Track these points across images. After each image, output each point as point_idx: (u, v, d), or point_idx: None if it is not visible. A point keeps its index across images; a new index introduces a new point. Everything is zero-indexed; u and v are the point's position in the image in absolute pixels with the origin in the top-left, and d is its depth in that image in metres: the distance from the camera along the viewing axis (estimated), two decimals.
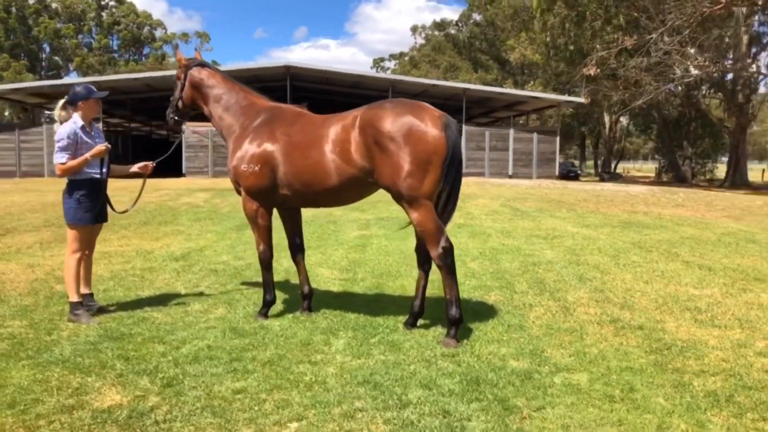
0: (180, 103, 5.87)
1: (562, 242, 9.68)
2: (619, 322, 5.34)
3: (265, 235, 5.51)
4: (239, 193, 5.62)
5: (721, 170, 48.28)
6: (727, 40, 36.07)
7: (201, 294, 6.39)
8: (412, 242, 9.42)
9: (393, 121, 4.75)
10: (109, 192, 5.71)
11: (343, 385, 3.96)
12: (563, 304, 5.94)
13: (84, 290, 5.72)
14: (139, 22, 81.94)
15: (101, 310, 5.71)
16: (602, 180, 43.53)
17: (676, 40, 31.22)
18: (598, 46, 34.75)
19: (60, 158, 5.35)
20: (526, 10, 56.90)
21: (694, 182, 42.20)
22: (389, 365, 4.30)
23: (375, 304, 5.96)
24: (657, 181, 43.70)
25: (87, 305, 5.62)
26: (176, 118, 5.99)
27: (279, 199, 5.43)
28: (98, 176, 5.56)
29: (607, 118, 54.15)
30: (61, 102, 5.53)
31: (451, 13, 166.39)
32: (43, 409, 3.59)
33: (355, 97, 33.21)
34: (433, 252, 4.83)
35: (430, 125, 4.72)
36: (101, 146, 5.49)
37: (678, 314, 5.58)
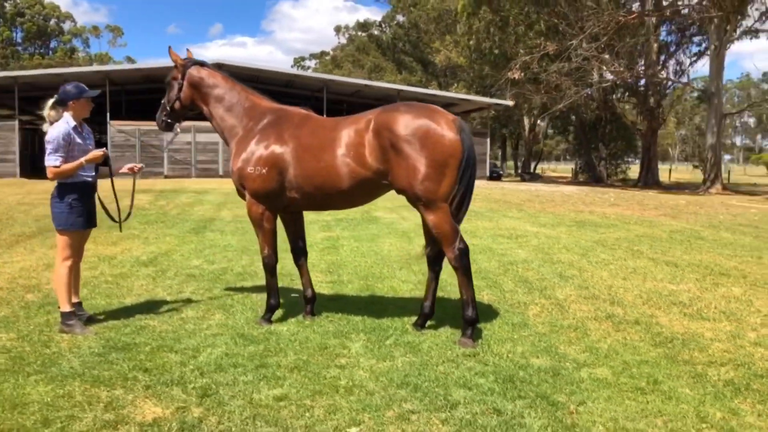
0: (177, 104, 5.68)
1: (528, 241, 10.00)
2: (615, 317, 5.60)
3: (270, 239, 5.43)
4: (242, 196, 5.51)
5: (633, 171, 50.98)
6: (639, 48, 38.12)
7: (189, 300, 6.19)
8: (383, 243, 9.59)
9: (409, 124, 4.80)
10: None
11: (383, 388, 3.97)
12: (555, 301, 6.17)
13: (73, 299, 5.44)
14: (45, 13, 77.60)
15: (91, 320, 5.44)
16: (523, 180, 44.96)
17: (595, 46, 32.80)
18: (521, 51, 35.96)
19: (53, 160, 5.07)
20: (449, 13, 58.11)
21: (609, 182, 44.30)
22: (418, 367, 4.34)
23: (374, 306, 5.97)
24: (574, 181, 45.59)
25: (77, 315, 5.36)
26: (169, 120, 5.79)
27: (286, 202, 5.35)
28: (90, 179, 5.31)
29: (527, 121, 56.03)
30: (51, 101, 5.23)
31: (370, 14, 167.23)
32: (83, 426, 3.41)
33: (287, 97, 32.80)
34: (450, 253, 4.91)
35: (446, 128, 4.80)
36: (98, 152, 5.24)
37: (666, 309, 5.90)
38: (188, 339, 4.95)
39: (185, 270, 7.66)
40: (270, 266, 5.47)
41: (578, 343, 4.90)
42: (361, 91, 32.94)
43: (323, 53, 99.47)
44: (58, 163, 5.06)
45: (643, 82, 39.59)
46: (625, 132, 46.01)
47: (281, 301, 6.15)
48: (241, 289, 6.65)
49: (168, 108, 5.72)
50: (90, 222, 5.36)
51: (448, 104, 38.07)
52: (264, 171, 5.20)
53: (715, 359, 4.52)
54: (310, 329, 5.23)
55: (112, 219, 5.63)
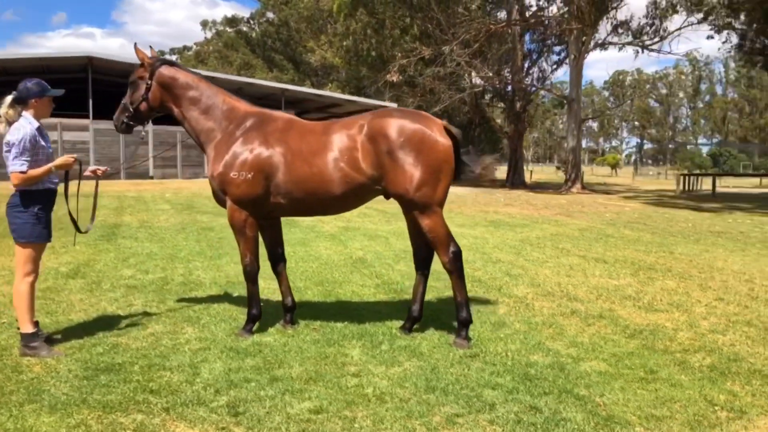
0: (143, 105, 5.31)
1: (458, 241, 10.31)
2: (579, 313, 5.95)
3: (252, 246, 5.23)
4: (221, 201, 5.27)
5: (500, 172, 53.94)
6: (506, 55, 40.38)
7: (147, 314, 5.80)
8: (318, 247, 9.47)
9: (404, 130, 4.84)
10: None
11: (412, 393, 3.96)
12: (517, 299, 6.44)
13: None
14: None
15: (49, 340, 4.94)
16: None
17: (467, 52, 34.34)
18: (399, 54, 36.82)
19: (19, 165, 4.55)
20: (320, 12, 58.08)
21: (479, 183, 46.51)
22: (431, 370, 4.37)
23: (346, 312, 5.92)
24: None
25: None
26: (130, 122, 5.38)
27: (269, 208, 5.19)
28: (54, 186, 4.84)
29: None
30: (9, 99, 4.69)
31: (230, 9, 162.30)
32: None
33: None
34: (444, 257, 5.01)
35: (438, 134, 4.90)
36: (69, 157, 4.79)
37: (620, 303, 6.36)
38: (175, 355, 4.65)
39: (121, 281, 7.14)
40: (252, 275, 5.27)
41: (560, 339, 5.18)
42: (242, 89, 32.04)
43: (185, 48, 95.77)
44: (24, 169, 4.56)
45: (510, 87, 42.00)
46: (492, 135, 48.54)
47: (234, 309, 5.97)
48: (197, 300, 6.33)
49: (131, 109, 5.33)
50: (51, 233, 4.89)
51: (332, 105, 38.14)
52: (249, 176, 5.01)
53: (686, 347, 4.97)
54: (298, 339, 5.10)
55: (78, 229, 5.17)
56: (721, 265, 8.60)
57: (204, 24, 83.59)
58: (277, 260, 5.57)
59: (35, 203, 4.67)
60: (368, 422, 3.58)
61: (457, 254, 5.01)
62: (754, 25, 27.67)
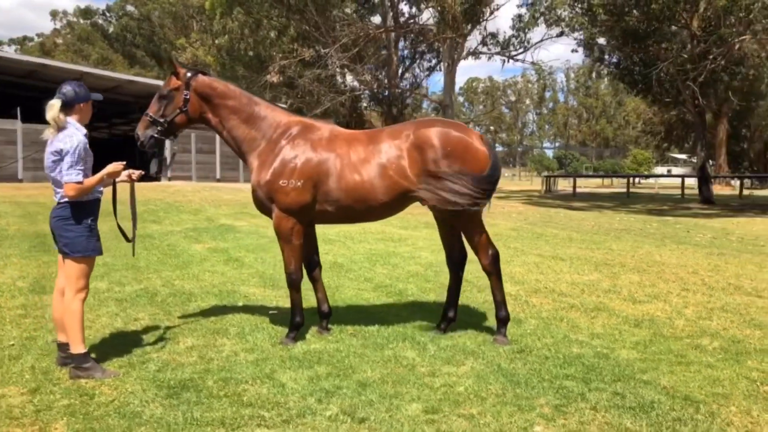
0: (181, 118, 5.12)
1: (415, 243, 10.66)
2: (578, 307, 6.43)
3: (298, 254, 5.23)
4: (264, 210, 5.23)
5: None
6: (383, 60, 41.38)
7: (164, 327, 5.57)
8: (276, 253, 9.29)
9: (450, 139, 5.10)
10: None
11: (503, 389, 4.16)
12: (512, 297, 6.75)
13: (59, 337, 4.61)
14: None
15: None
16: None
17: (347, 56, 34.84)
18: (279, 55, 36.52)
19: (75, 175, 4.26)
20: (187, 9, 55.82)
21: None
22: (498, 367, 4.57)
23: (360, 315, 6.00)
24: None
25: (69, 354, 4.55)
26: (161, 137, 5.13)
27: (314, 216, 5.23)
28: (101, 195, 4.57)
29: None
30: (58, 103, 4.34)
31: (69, 2, 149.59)
32: None
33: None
34: (485, 260, 5.32)
35: (478, 143, 5.22)
36: (118, 164, 4.54)
37: (603, 296, 6.98)
38: (238, 368, 4.55)
39: (104, 294, 6.73)
40: (296, 283, 5.27)
41: (580, 332, 5.63)
42: (121, 86, 30.00)
43: (26, 38, 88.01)
44: (81, 178, 4.28)
45: (387, 92, 43.09)
46: None
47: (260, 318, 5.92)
48: (204, 311, 6.14)
49: (164, 122, 5.10)
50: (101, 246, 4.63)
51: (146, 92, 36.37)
52: (299, 183, 5.03)
53: (689, 334, 5.60)
54: (345, 344, 5.14)
55: (126, 238, 4.88)
56: (659, 259, 9.60)
57: (54, 14, 77.42)
58: (314, 267, 5.59)
59: (87, 215, 4.40)
60: (489, 418, 3.77)
61: (496, 256, 5.34)
62: (613, 42, 30.79)
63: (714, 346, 5.24)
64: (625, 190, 36.09)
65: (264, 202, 5.16)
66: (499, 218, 16.34)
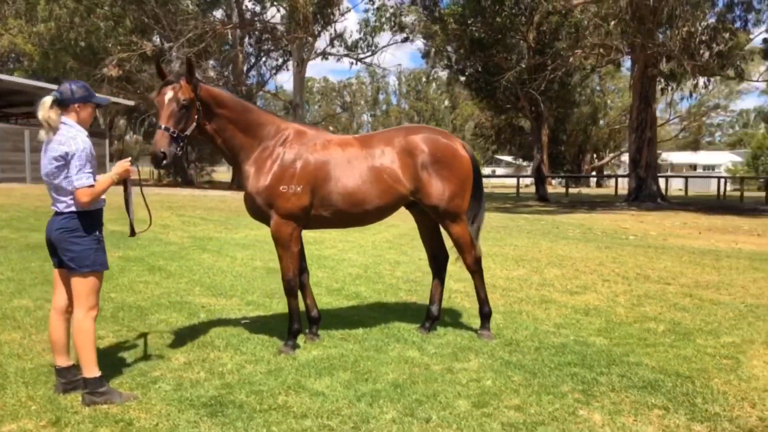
0: (196, 132, 4.81)
1: (323, 244, 10.62)
2: (523, 300, 6.91)
3: (296, 261, 5.17)
4: (260, 216, 5.10)
5: (219, 175, 53.67)
6: (229, 57, 40.29)
7: (145, 343, 5.21)
8: (222, 261, 8.84)
9: (439, 146, 5.35)
10: None
11: (526, 381, 4.46)
12: (467, 294, 7.20)
13: (63, 361, 4.19)
14: None
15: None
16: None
17: (192, 52, 33.55)
18: (118, 47, 34.17)
19: (86, 178, 3.90)
20: None
21: (197, 185, 45.37)
22: (502, 361, 4.91)
23: (337, 319, 6.05)
24: (161, 184, 45.22)
25: (71, 381, 4.16)
26: (180, 154, 4.73)
27: (309, 221, 5.18)
28: (104, 204, 4.20)
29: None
30: (49, 100, 3.93)
31: None
32: None
33: None
34: (469, 260, 5.61)
35: (462, 149, 5.53)
36: (126, 162, 4.20)
37: (542, 289, 7.54)
38: (258, 380, 4.43)
39: (38, 313, 6.02)
40: (294, 290, 5.20)
41: (543, 323, 6.03)
42: None
43: None
44: (92, 181, 3.93)
45: (233, 90, 41.95)
46: None
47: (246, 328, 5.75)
48: (172, 325, 5.81)
49: (185, 138, 4.71)
50: None
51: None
52: (299, 189, 4.99)
53: (635, 319, 6.18)
54: (344, 348, 5.17)
55: (133, 231, 4.50)
56: (562, 253, 10.47)
57: None
58: (301, 272, 5.52)
59: (95, 225, 4.06)
60: (534, 407, 4.02)
61: (479, 257, 5.67)
62: (461, 51, 32.71)
63: (662, 329, 5.96)
64: None
65: (262, 209, 5.03)
66: (393, 218, 16.80)
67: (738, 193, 35.55)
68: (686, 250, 11.23)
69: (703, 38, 24.44)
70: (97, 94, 4.16)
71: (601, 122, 59.96)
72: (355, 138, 5.45)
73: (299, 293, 5.47)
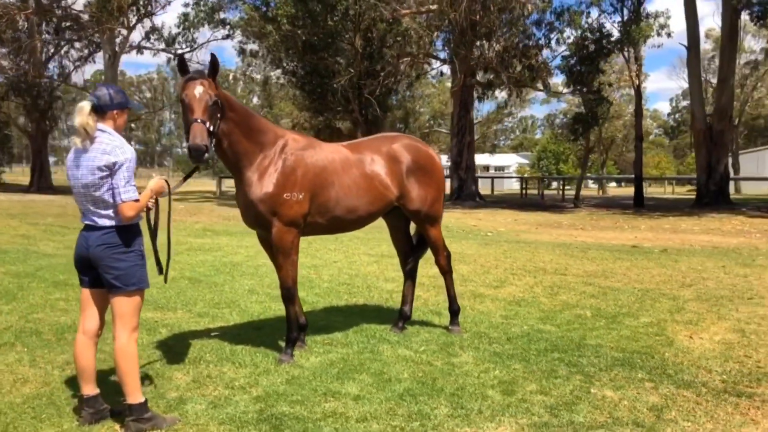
0: (218, 131, 4.63)
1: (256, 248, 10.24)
2: (462, 296, 7.17)
3: (296, 269, 5.18)
4: (259, 224, 5.06)
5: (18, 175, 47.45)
6: (24, 45, 36.15)
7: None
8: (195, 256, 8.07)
9: (421, 153, 5.72)
10: None
11: (528, 370, 4.88)
12: (438, 291, 7.45)
13: (89, 390, 3.86)
14: None
15: (113, 412, 3.97)
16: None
17: None
18: None
19: (133, 192, 3.65)
20: None
21: None
22: (494, 353, 5.28)
23: (321, 323, 6.06)
24: None
25: (98, 410, 3.87)
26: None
27: (305, 227, 5.20)
28: (141, 218, 3.93)
29: None
30: (87, 106, 3.61)
31: None
32: None
33: None
34: (442, 260, 5.99)
35: (437, 157, 5.94)
36: (161, 179, 3.96)
37: (467, 284, 8.07)
38: (286, 391, 4.42)
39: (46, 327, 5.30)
40: (293, 298, 5.21)
41: (493, 316, 6.61)
42: None
43: None
44: (138, 195, 3.69)
45: (29, 82, 37.58)
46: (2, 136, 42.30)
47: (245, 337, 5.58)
48: (142, 344, 5.41)
49: (215, 133, 4.57)
50: None
51: None
52: (301, 196, 5.04)
53: (564, 307, 6.92)
54: (342, 352, 5.27)
55: (161, 269, 4.13)
56: (459, 250, 11.01)
57: None
58: None
59: (138, 240, 3.80)
60: (554, 391, 4.43)
61: (449, 257, 6.09)
62: (292, 51, 32.60)
63: (590, 315, 6.75)
64: None
65: (265, 216, 4.96)
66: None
67: (535, 191, 40.11)
68: (549, 245, 12.63)
69: (516, 53, 27.27)
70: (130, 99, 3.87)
71: (412, 126, 63.52)
72: (345, 146, 5.59)
73: None
